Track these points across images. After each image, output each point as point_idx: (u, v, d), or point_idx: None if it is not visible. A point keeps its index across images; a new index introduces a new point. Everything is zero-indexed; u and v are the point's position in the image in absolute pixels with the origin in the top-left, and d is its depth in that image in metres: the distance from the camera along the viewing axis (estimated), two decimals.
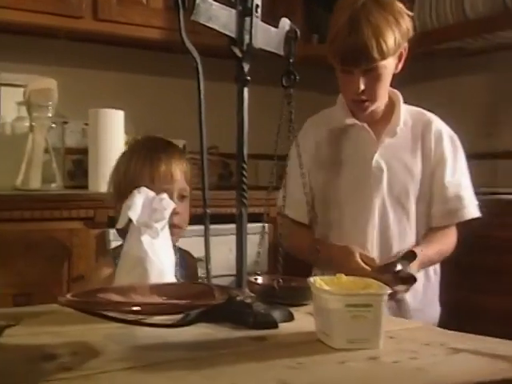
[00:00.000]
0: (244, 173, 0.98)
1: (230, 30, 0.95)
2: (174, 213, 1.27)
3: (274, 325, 0.91)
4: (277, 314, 0.93)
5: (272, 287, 1.05)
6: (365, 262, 1.41)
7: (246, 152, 0.99)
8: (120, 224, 1.26)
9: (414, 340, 0.86)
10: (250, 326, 0.90)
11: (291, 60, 1.08)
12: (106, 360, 0.77)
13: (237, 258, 0.97)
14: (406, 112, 1.56)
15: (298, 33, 1.10)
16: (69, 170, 2.46)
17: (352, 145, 1.55)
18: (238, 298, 0.83)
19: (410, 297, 1.49)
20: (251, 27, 0.97)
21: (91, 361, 0.76)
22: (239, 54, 0.96)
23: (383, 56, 1.41)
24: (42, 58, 2.42)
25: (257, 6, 0.99)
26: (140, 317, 0.85)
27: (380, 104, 1.53)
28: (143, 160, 1.31)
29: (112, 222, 1.97)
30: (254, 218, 1.18)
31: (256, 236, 1.13)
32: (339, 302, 0.82)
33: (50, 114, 2.25)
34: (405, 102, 1.57)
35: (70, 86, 2.44)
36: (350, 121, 1.55)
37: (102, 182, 2.19)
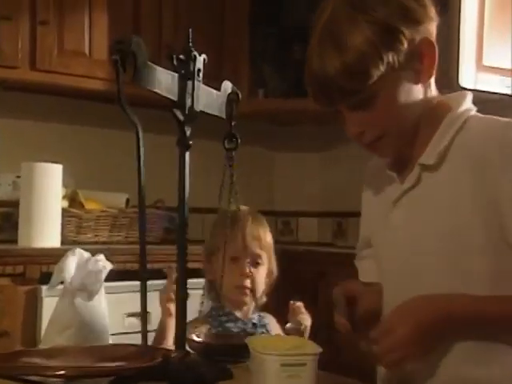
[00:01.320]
0: (185, 231, 1.05)
1: (172, 94, 1.03)
2: (246, 275, 1.35)
3: (211, 383, 0.97)
4: (215, 372, 0.99)
5: (211, 345, 1.11)
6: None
7: (187, 213, 1.06)
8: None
9: None
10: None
11: (233, 122, 1.16)
12: None
13: (177, 315, 1.04)
14: (465, 131, 1.07)
15: (240, 95, 1.19)
16: None
17: (382, 194, 1.20)
18: (176, 356, 0.89)
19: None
20: (193, 91, 1.05)
21: None
22: (181, 118, 1.04)
23: (361, 84, 1.00)
24: None
25: (199, 69, 1.07)
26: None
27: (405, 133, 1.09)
28: (223, 224, 1.30)
29: (43, 279, 1.98)
30: (200, 272, 1.24)
31: (199, 291, 1.19)
32: (275, 361, 0.90)
33: None
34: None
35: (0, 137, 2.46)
36: (381, 164, 1.19)
37: (34, 236, 2.17)
